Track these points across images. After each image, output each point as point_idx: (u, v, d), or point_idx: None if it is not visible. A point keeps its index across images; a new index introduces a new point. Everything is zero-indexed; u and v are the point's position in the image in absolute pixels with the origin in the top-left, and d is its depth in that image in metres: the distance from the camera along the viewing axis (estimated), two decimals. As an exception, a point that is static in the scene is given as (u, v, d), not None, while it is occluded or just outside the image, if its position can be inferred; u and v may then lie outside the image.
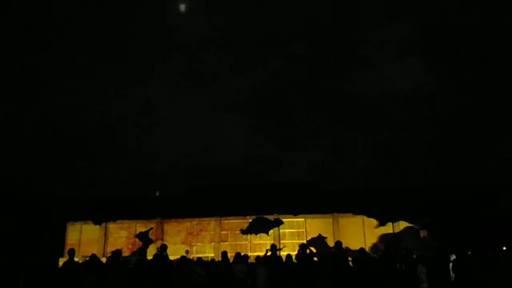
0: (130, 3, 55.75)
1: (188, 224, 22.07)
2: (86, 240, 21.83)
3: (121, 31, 55.10)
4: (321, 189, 23.51)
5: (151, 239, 21.51)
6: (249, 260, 13.18)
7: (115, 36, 55.17)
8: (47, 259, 16.80)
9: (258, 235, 21.79)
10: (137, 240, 21.79)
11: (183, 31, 55.63)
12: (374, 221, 21.75)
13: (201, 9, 55.87)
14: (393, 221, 21.74)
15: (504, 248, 19.31)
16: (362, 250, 11.74)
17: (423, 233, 21.44)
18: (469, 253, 14.56)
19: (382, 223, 21.69)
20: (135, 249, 21.02)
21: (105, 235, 21.96)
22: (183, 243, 21.83)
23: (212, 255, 20.62)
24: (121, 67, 56.66)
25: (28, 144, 45.97)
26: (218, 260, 12.59)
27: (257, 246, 21.51)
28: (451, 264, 12.30)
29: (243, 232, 20.09)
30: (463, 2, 52.50)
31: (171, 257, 14.15)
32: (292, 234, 21.82)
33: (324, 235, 21.37)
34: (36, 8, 51.17)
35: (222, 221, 22.03)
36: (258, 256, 15.53)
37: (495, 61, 50.28)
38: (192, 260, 16.12)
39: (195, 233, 22.02)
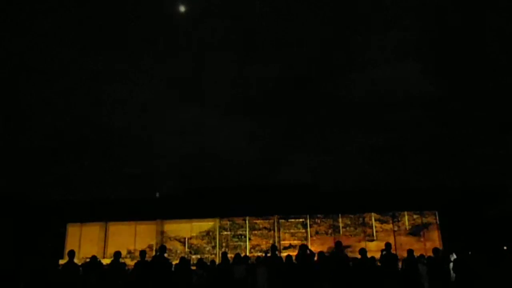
0: (128, 4, 55.74)
1: (188, 225, 22.08)
2: (86, 241, 21.85)
3: (121, 32, 55.09)
4: (321, 190, 23.49)
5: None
6: (249, 261, 13.18)
7: (114, 36, 55.16)
8: (47, 261, 16.79)
9: (259, 236, 21.79)
10: (137, 241, 21.80)
11: (183, 32, 55.62)
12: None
13: (200, 11, 55.88)
14: (393, 223, 21.75)
15: (505, 248, 19.33)
16: (362, 250, 11.70)
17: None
18: (470, 253, 14.56)
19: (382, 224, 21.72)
20: (135, 251, 21.03)
21: (105, 236, 21.98)
22: (182, 244, 21.83)
23: (212, 256, 20.63)
24: (121, 68, 56.59)
25: (27, 146, 45.96)
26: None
27: (257, 247, 21.51)
28: (451, 264, 12.31)
29: None
30: (463, 5, 52.47)
31: (171, 259, 14.13)
32: (292, 235, 21.83)
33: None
34: (36, 8, 51.10)
35: (221, 222, 22.03)
36: (258, 257, 15.55)
37: (495, 62, 50.23)
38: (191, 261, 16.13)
39: (194, 234, 22.01)
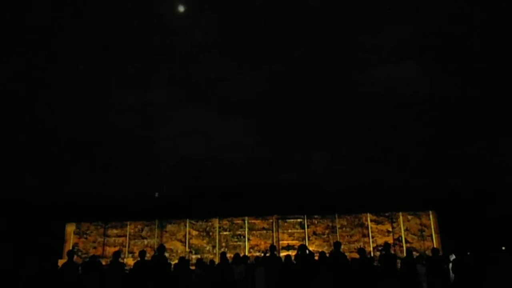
0: (128, 6, 55.70)
1: (187, 225, 22.06)
2: (85, 241, 21.82)
3: (121, 32, 55.09)
4: (322, 190, 23.48)
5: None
6: (248, 261, 13.21)
7: (114, 36, 55.14)
8: (46, 261, 16.79)
9: (258, 236, 21.80)
10: (137, 241, 21.79)
11: (183, 33, 55.63)
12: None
13: (201, 12, 55.88)
14: (392, 222, 21.78)
15: (503, 248, 19.37)
16: (361, 250, 11.74)
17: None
18: (469, 253, 14.58)
19: (382, 224, 21.74)
20: (135, 251, 21.03)
21: (104, 236, 21.95)
22: (182, 244, 21.82)
23: (212, 256, 20.63)
24: (121, 69, 56.56)
25: (27, 146, 45.94)
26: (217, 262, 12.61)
27: (256, 247, 21.51)
28: (450, 264, 12.34)
29: None
30: (464, 5, 52.58)
31: (172, 258, 14.11)
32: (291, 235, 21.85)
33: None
34: (35, 9, 51.09)
35: (221, 222, 22.02)
36: (257, 257, 15.57)
37: (495, 62, 50.35)
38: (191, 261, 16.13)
39: (194, 234, 22.00)
